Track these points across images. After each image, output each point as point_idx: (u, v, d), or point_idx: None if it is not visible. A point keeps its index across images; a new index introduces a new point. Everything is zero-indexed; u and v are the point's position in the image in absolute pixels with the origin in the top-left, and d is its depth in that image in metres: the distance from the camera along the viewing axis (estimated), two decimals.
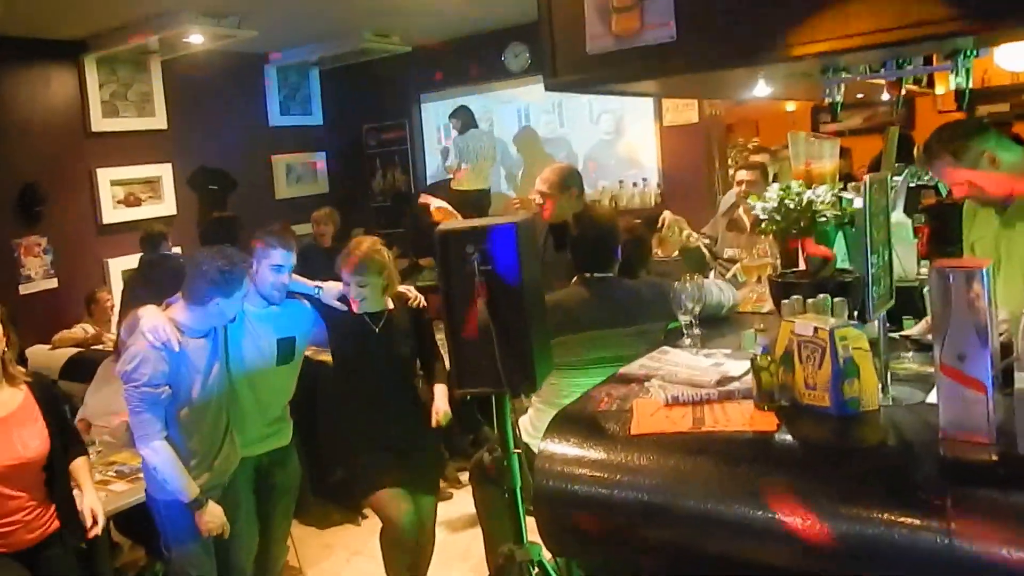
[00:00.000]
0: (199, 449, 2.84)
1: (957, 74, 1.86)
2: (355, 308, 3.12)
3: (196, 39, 5.69)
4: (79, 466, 2.82)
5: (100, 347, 5.00)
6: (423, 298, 3.34)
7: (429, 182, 7.73)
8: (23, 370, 2.82)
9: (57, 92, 5.84)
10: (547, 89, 2.08)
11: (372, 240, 3.16)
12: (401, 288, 3.28)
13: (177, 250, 5.77)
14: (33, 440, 2.62)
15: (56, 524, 2.69)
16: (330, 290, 3.20)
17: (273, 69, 7.29)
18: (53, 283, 5.65)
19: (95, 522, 2.72)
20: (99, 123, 6.01)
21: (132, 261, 5.94)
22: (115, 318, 5.40)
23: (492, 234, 1.91)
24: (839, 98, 2.09)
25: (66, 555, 2.71)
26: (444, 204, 3.64)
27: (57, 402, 2.88)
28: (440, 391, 3.25)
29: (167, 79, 6.43)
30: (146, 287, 4.92)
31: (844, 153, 4.83)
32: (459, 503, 4.38)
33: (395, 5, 5.52)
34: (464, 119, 6.56)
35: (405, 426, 3.18)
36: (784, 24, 1.68)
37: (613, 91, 2.89)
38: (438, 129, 7.44)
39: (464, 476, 4.49)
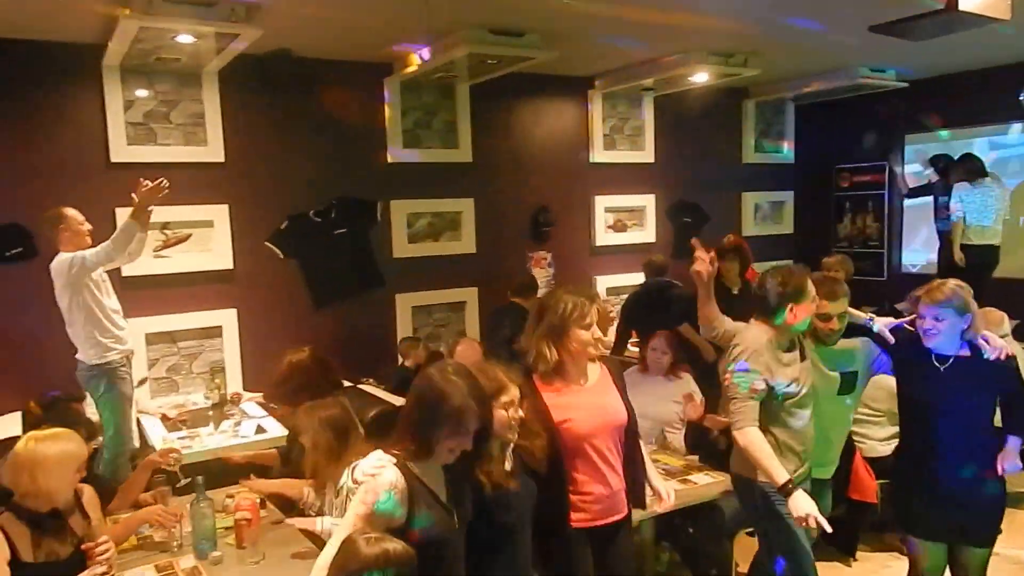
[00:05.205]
0: (792, 443, 2.88)
1: None
2: (926, 342, 2.95)
3: (700, 77, 5.98)
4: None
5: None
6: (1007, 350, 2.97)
7: (905, 231, 7.23)
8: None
9: (567, 125, 6.54)
10: None
11: (959, 281, 2.96)
12: (983, 336, 2.96)
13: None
14: (618, 407, 2.65)
15: (625, 511, 2.66)
16: (881, 322, 3.14)
17: (752, 104, 7.38)
18: None
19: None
20: (600, 155, 6.64)
21: (615, 280, 6.57)
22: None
23: None
24: None
25: (629, 545, 2.75)
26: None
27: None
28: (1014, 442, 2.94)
29: (656, 115, 6.88)
30: (648, 309, 5.23)
31: None
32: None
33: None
34: (973, 167, 5.97)
35: (965, 474, 2.92)
36: None
37: None
38: (922, 175, 6.91)
39: None
